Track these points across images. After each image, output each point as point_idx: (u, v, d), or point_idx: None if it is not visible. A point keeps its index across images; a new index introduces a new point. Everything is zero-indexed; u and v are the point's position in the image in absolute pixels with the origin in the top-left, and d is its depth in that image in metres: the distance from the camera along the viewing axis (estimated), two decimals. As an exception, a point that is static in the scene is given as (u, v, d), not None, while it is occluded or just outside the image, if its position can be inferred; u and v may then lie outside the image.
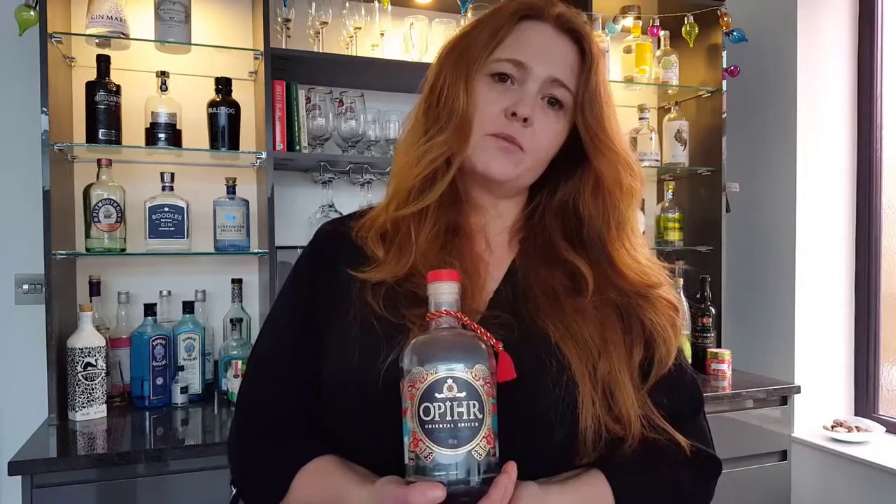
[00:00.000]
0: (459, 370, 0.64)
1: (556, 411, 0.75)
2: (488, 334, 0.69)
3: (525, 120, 0.80)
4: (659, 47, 2.51)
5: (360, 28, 2.17)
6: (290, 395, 0.84)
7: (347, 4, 2.15)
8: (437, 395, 0.63)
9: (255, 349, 0.91)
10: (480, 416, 0.63)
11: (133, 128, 1.96)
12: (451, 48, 0.86)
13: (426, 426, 0.62)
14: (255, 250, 2.05)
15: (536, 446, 0.75)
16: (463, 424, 0.63)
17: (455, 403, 0.63)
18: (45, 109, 1.76)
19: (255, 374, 0.89)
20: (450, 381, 0.63)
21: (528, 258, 0.86)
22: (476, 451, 0.63)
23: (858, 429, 2.27)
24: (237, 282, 2.12)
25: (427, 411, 0.62)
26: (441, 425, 0.62)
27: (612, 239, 0.85)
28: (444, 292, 0.69)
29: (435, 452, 0.62)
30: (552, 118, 0.83)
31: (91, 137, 1.88)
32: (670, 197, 2.53)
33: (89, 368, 1.78)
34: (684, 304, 2.35)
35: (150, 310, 1.97)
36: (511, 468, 0.65)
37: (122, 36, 1.90)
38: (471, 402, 0.63)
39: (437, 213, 0.82)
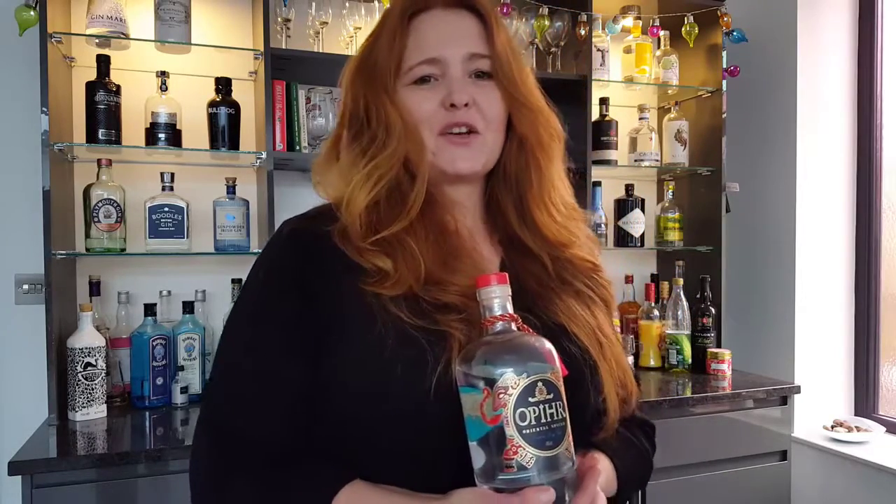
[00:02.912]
0: (546, 373, 0.64)
1: (591, 397, 0.79)
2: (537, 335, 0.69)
3: (466, 105, 0.79)
4: (659, 47, 2.51)
5: (360, 28, 2.17)
6: (288, 420, 0.75)
7: (347, 4, 2.15)
8: (530, 399, 0.63)
9: (228, 366, 0.79)
10: (565, 415, 0.65)
11: (133, 128, 1.96)
12: (355, 71, 0.84)
13: (524, 431, 0.62)
14: (255, 250, 2.05)
15: (573, 432, 0.76)
16: (556, 425, 0.64)
17: (547, 406, 0.63)
18: (45, 109, 1.76)
19: (236, 397, 0.76)
20: (540, 385, 0.63)
21: (510, 250, 0.87)
22: (568, 449, 0.64)
23: (858, 429, 2.27)
24: (237, 282, 2.12)
25: (523, 416, 0.62)
26: (538, 429, 0.63)
27: (534, 198, 0.85)
28: (497, 296, 0.68)
29: (535, 457, 0.62)
30: (489, 89, 0.82)
31: (91, 137, 1.88)
32: (670, 197, 2.53)
33: (89, 368, 1.78)
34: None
35: (150, 310, 1.97)
36: (597, 460, 0.72)
37: (122, 36, 1.90)
38: (557, 403, 0.64)
39: (423, 219, 0.79)
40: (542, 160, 0.85)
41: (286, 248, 0.80)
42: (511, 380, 0.63)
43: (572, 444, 0.65)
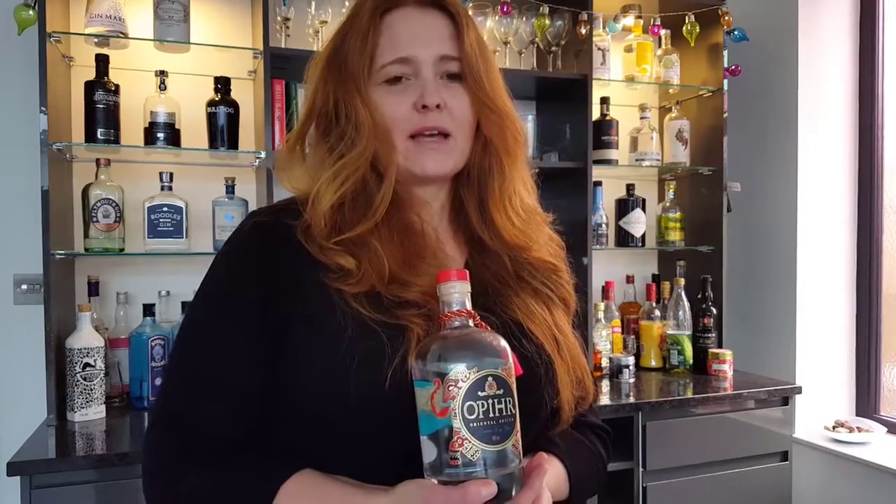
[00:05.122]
0: (497, 368, 0.65)
1: (546, 393, 0.80)
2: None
3: (438, 107, 0.79)
4: (660, 46, 2.50)
5: (359, 27, 2.16)
6: (243, 413, 0.76)
7: (347, 4, 2.15)
8: (479, 393, 0.63)
9: (185, 358, 0.80)
10: (514, 412, 0.65)
11: (132, 127, 1.96)
12: (325, 65, 0.83)
13: (471, 424, 0.63)
14: (255, 250, 2.04)
15: (529, 430, 0.75)
16: (503, 420, 0.64)
17: (496, 401, 0.64)
18: (43, 109, 1.75)
19: (192, 390, 0.77)
20: (490, 380, 0.64)
21: (474, 249, 0.87)
22: (514, 445, 0.65)
23: (860, 429, 2.27)
24: (237, 282, 2.11)
25: (471, 410, 0.63)
26: (485, 423, 0.63)
27: (495, 201, 0.85)
28: (456, 291, 0.69)
29: (481, 450, 0.63)
30: (460, 91, 0.82)
31: (90, 137, 1.88)
32: (671, 197, 2.53)
33: (88, 369, 1.78)
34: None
35: (149, 310, 1.96)
36: (545, 460, 0.69)
37: (121, 35, 1.90)
38: (507, 399, 0.65)
39: (388, 220, 0.80)
40: (506, 163, 0.85)
41: (248, 244, 0.81)
42: (462, 373, 0.63)
43: (520, 441, 0.66)
